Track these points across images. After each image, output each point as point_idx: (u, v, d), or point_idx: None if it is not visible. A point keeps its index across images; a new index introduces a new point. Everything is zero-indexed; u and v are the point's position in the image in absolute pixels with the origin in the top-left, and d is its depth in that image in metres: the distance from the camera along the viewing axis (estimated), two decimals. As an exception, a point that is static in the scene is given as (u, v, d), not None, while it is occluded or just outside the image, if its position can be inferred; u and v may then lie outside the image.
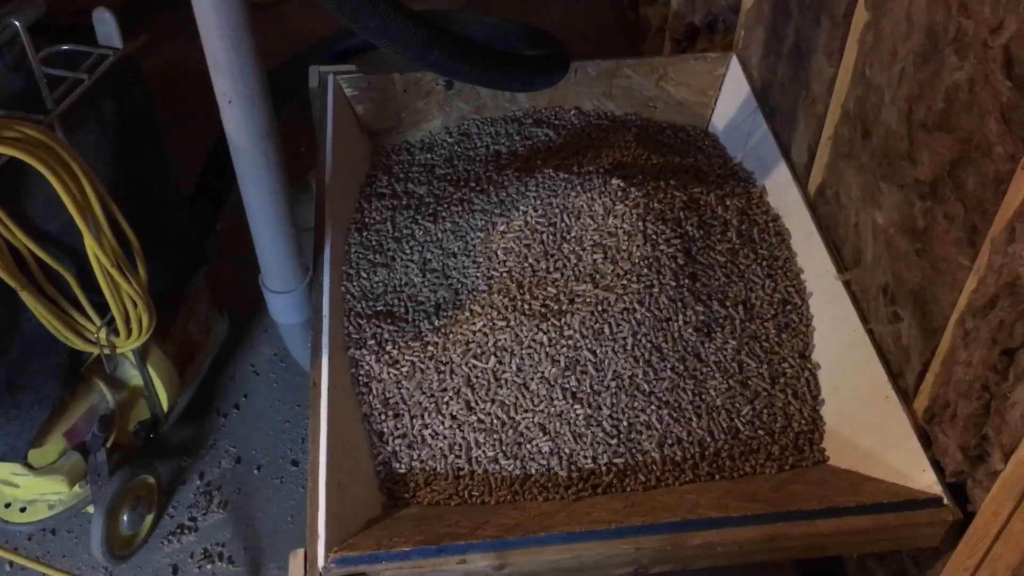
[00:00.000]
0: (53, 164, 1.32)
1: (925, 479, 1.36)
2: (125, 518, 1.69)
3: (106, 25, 1.46)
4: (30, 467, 1.58)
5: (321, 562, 1.25)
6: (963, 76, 1.20)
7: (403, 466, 1.45)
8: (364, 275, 1.65)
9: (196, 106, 1.86)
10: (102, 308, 1.55)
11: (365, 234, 1.72)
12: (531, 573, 1.30)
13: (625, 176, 1.73)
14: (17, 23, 1.30)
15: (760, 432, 1.50)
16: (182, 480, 1.87)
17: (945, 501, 1.32)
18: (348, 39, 2.16)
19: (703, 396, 1.52)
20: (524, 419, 1.47)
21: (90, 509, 1.68)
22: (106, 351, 1.58)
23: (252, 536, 1.78)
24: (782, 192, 1.81)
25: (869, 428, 1.47)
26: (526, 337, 1.51)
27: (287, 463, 1.90)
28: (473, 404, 1.48)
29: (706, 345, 1.56)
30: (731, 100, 2.04)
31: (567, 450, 1.45)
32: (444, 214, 1.71)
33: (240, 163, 1.40)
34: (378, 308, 1.61)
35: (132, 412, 1.74)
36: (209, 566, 1.73)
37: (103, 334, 1.56)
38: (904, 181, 1.37)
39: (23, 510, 1.67)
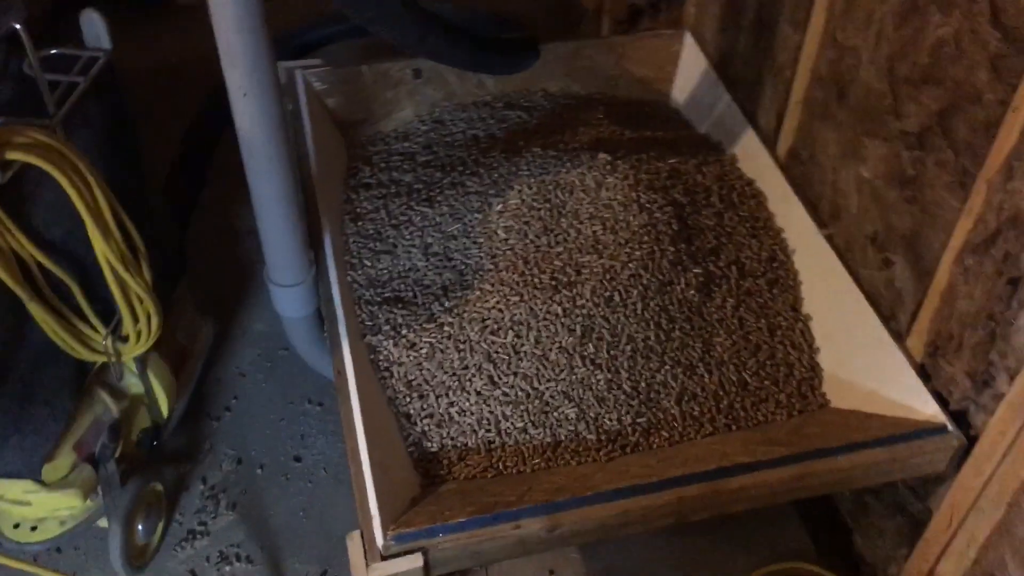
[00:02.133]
0: (64, 168, 1.30)
1: (928, 410, 1.46)
2: (140, 527, 1.66)
3: (94, 26, 1.43)
4: (43, 483, 1.55)
5: (380, 541, 1.27)
6: (948, 31, 1.30)
7: (434, 444, 1.48)
8: (368, 263, 1.66)
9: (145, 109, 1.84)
10: (104, 317, 1.53)
11: (360, 224, 1.73)
12: (580, 532, 1.35)
13: (608, 150, 1.79)
14: (18, 25, 1.28)
15: (766, 382, 1.59)
16: (184, 487, 1.84)
17: (950, 428, 1.43)
18: (308, 33, 2.15)
19: (711, 352, 1.59)
20: (548, 388, 1.51)
21: (102, 523, 1.65)
22: (113, 359, 1.56)
23: (266, 534, 1.77)
24: (752, 157, 1.90)
25: (867, 369, 1.56)
26: (540, 309, 1.55)
27: (289, 460, 1.90)
28: (496, 379, 1.52)
29: (707, 305, 1.63)
30: (689, 74, 2.12)
31: (592, 414, 1.50)
32: (439, 198, 1.74)
33: (252, 157, 1.40)
34: (386, 295, 1.63)
35: (135, 421, 1.71)
36: (228, 568, 1.72)
37: (109, 342, 1.53)
38: (889, 134, 1.47)
39: (34, 529, 1.63)
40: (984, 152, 1.28)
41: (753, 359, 1.60)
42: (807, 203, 1.76)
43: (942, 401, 1.46)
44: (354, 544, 1.29)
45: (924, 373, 1.50)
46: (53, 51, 1.41)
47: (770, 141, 1.88)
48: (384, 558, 1.27)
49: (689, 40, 2.13)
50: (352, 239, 1.70)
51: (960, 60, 1.28)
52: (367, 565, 1.27)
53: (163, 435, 1.78)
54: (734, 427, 1.53)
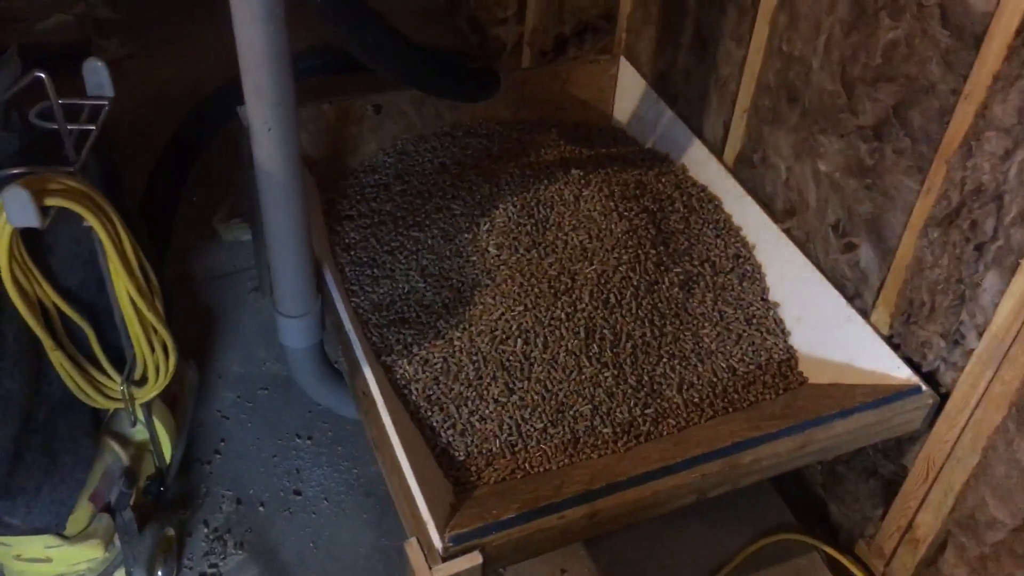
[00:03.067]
0: (96, 212, 1.32)
1: (902, 374, 1.62)
2: (160, 573, 1.65)
3: (98, 75, 1.45)
4: (64, 537, 1.53)
5: (439, 543, 1.32)
6: (899, 34, 1.47)
7: (460, 453, 1.54)
8: (368, 289, 1.72)
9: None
10: (116, 364, 1.53)
11: (353, 253, 1.79)
12: (616, 516, 1.43)
13: (576, 167, 1.90)
14: (43, 75, 1.29)
15: (752, 367, 1.72)
16: (187, 532, 1.83)
17: (924, 388, 1.59)
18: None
19: (700, 344, 1.71)
20: (561, 389, 1.60)
21: (119, 573, 1.63)
22: (129, 404, 1.56)
23: (280, 568, 1.78)
24: (701, 165, 2.05)
25: (838, 345, 1.72)
26: (545, 316, 1.64)
27: (289, 494, 1.91)
28: (512, 385, 1.60)
29: (690, 301, 1.76)
30: (628, 95, 2.27)
31: (605, 408, 1.59)
32: (427, 223, 1.81)
33: (270, 191, 1.45)
34: (391, 317, 1.68)
35: (141, 468, 1.70)
36: (248, 605, 1.72)
37: (125, 387, 1.53)
38: (846, 131, 1.63)
39: (52, 587, 1.60)
40: (939, 137, 1.46)
41: (736, 347, 1.73)
42: (760, 202, 1.91)
43: (912, 365, 1.62)
44: (413, 550, 1.34)
45: (892, 342, 1.66)
46: (61, 101, 1.42)
47: (717, 149, 2.03)
48: (444, 559, 1.32)
49: (624, 64, 2.28)
50: (348, 268, 1.76)
51: (912, 58, 1.46)
52: (430, 568, 1.32)
53: (167, 481, 1.77)
54: (730, 409, 1.66)
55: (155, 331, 1.50)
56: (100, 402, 1.53)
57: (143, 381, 1.57)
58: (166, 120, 2.34)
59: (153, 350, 1.51)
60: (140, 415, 1.65)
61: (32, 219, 1.22)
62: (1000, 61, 1.31)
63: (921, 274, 1.54)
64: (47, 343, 1.39)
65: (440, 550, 1.32)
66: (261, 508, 1.89)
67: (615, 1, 2.35)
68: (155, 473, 1.74)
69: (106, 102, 1.47)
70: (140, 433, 1.69)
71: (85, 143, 1.39)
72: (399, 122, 2.13)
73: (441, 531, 1.34)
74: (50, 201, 1.25)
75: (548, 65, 2.28)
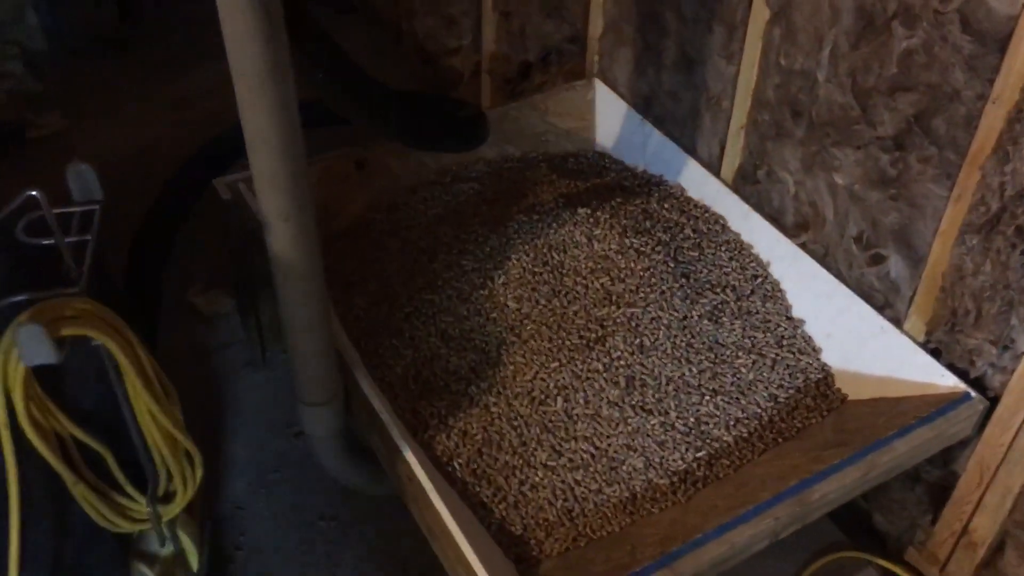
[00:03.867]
0: (111, 333, 1.22)
1: (948, 382, 1.59)
2: None
3: (84, 178, 1.34)
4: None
5: (524, 636, 1.25)
6: (916, 42, 1.44)
7: (517, 527, 1.47)
8: (391, 362, 1.63)
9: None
10: (136, 483, 1.43)
11: (365, 324, 1.70)
12: (697, 574, 1.37)
13: (580, 204, 1.84)
14: (35, 192, 1.18)
15: (792, 391, 1.68)
16: (224, 642, 1.72)
17: (973, 395, 1.56)
18: (231, 140, 2.07)
19: (738, 375, 1.66)
20: (609, 444, 1.53)
21: None
22: (156, 523, 1.45)
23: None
24: (699, 185, 2.01)
25: (875, 358, 1.68)
26: (581, 370, 1.57)
27: (324, 582, 1.81)
28: (558, 447, 1.52)
29: (720, 331, 1.71)
30: (609, 119, 2.21)
31: (657, 459, 1.53)
32: (439, 283, 1.73)
33: (289, 279, 1.35)
34: (419, 389, 1.60)
35: (171, 583, 1.59)
36: None
37: (152, 507, 1.42)
38: (863, 142, 1.60)
39: None
40: (966, 143, 1.42)
41: (773, 372, 1.69)
42: (769, 217, 1.87)
43: (955, 371, 1.59)
44: (498, 646, 1.26)
45: (931, 351, 1.63)
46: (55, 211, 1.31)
47: (714, 168, 1.98)
48: (532, 652, 1.25)
49: (600, 87, 2.23)
50: (364, 340, 1.66)
51: (932, 66, 1.42)
52: (518, 664, 1.24)
53: (198, 593, 1.66)
54: (780, 440, 1.61)
55: (175, 440, 1.39)
56: (127, 527, 1.42)
57: (167, 497, 1.46)
58: (126, 189, 2.21)
59: (174, 462, 1.40)
60: (165, 530, 1.54)
61: (49, 355, 1.11)
62: (1032, 64, 1.28)
63: (962, 282, 1.51)
64: (68, 479, 1.28)
65: (527, 642, 1.25)
66: (298, 601, 1.79)
67: (582, 24, 2.29)
68: (185, 587, 1.63)
69: (97, 206, 1.36)
70: (167, 548, 1.58)
71: (84, 256, 1.29)
72: (383, 176, 2.04)
73: (524, 621, 1.26)
74: (66, 331, 1.14)
75: (526, 97, 2.21)
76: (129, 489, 1.41)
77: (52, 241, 1.25)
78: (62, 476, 1.26)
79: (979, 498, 1.65)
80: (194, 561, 1.64)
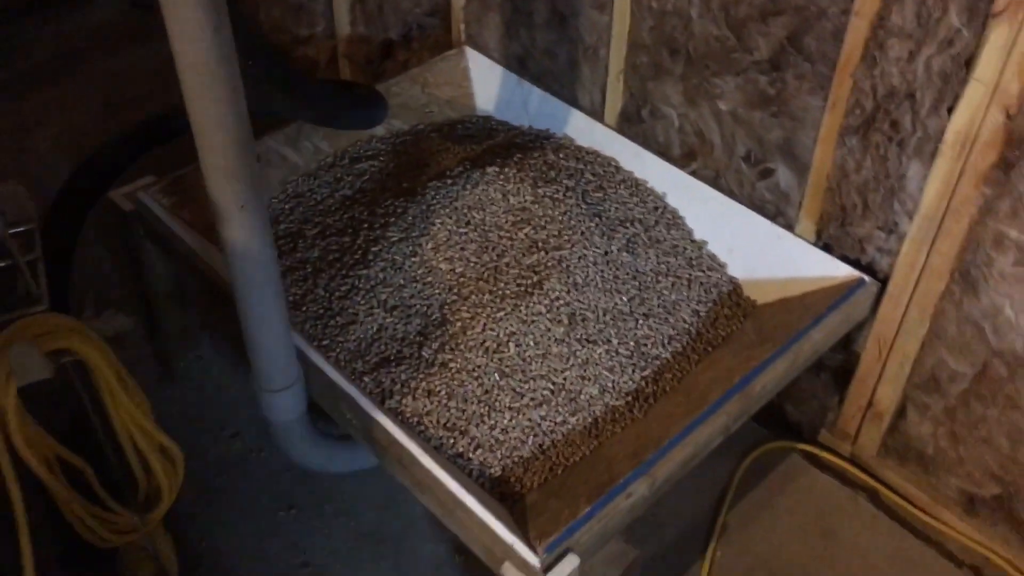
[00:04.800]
0: (91, 345, 1.21)
1: (843, 272, 1.77)
2: None
3: (19, 197, 1.32)
4: None
5: (535, 559, 1.33)
6: (781, -30, 1.59)
7: (496, 469, 1.55)
8: (340, 339, 1.67)
9: None
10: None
11: (305, 308, 1.72)
12: (668, 478, 1.50)
13: (486, 164, 1.92)
14: (-7, 217, 1.16)
15: (710, 305, 1.83)
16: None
17: (867, 279, 1.75)
18: (115, 154, 2.02)
19: (662, 298, 1.80)
20: (565, 379, 1.63)
21: None
22: (144, 532, 1.45)
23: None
24: (586, 133, 2.12)
25: (775, 263, 1.85)
26: (526, 315, 1.66)
27: (298, 569, 1.83)
28: (519, 388, 1.61)
29: (638, 261, 1.83)
30: (486, 84, 2.30)
31: (610, 384, 1.65)
32: (369, 258, 1.77)
33: (246, 269, 1.37)
34: (374, 360, 1.65)
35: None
36: None
37: (139, 517, 1.42)
38: (741, 68, 1.75)
39: None
40: (836, 55, 1.60)
41: (690, 291, 1.83)
42: (657, 152, 2.01)
43: (848, 262, 1.78)
44: (514, 573, 1.34)
45: (824, 247, 1.81)
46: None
47: (597, 114, 2.11)
48: (545, 571, 1.34)
49: (472, 54, 2.31)
50: (308, 324, 1.69)
51: (798, -11, 1.59)
52: (535, 584, 1.33)
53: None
54: (710, 349, 1.75)
55: (154, 441, 1.40)
56: (116, 540, 1.41)
57: (147, 505, 1.46)
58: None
59: (157, 462, 1.40)
60: (155, 542, 1.53)
61: (43, 371, 1.11)
62: (889, -24, 1.46)
63: (847, 179, 1.69)
64: (65, 498, 1.26)
65: (539, 564, 1.33)
66: (273, 591, 1.81)
67: (442, -5, 2.36)
68: (168, 597, 1.62)
69: (32, 224, 1.34)
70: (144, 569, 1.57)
71: (36, 274, 1.27)
72: (280, 166, 2.05)
73: (532, 546, 1.35)
74: (52, 346, 1.13)
75: (395, 75, 2.26)
76: (111, 502, 1.40)
77: (6, 263, 1.22)
78: (57, 496, 1.25)
79: (880, 371, 1.85)
80: (174, 570, 1.64)
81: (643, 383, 1.66)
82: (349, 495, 1.94)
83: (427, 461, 1.45)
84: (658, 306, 1.77)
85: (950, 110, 1.49)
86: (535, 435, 1.58)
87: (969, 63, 1.43)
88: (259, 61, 1.41)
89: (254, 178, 1.28)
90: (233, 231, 1.32)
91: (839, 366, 1.93)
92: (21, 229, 1.31)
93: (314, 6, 2.76)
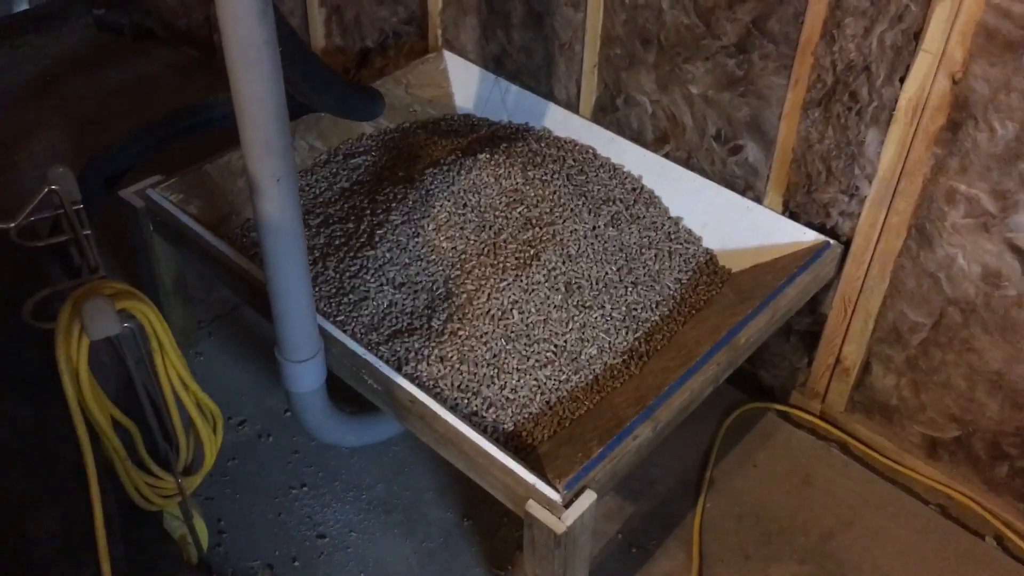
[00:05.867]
0: (149, 308, 1.31)
1: (809, 236, 1.94)
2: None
3: (66, 181, 1.41)
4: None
5: (557, 496, 1.46)
6: (744, -39, 1.76)
7: (508, 425, 1.67)
8: (355, 315, 1.78)
9: None
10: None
11: (319, 289, 1.83)
12: (670, 421, 1.63)
13: (477, 153, 2.06)
14: (58, 191, 1.26)
15: (690, 274, 1.98)
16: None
17: (832, 242, 1.92)
18: (116, 158, 2.12)
19: (647, 267, 1.94)
20: (566, 341, 1.77)
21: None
22: (182, 496, 1.54)
23: (348, 606, 1.81)
24: (563, 125, 2.27)
25: (747, 233, 2.01)
26: (526, 284, 1.80)
27: (315, 541, 1.92)
28: (524, 351, 1.74)
29: (623, 235, 1.98)
30: (464, 84, 2.44)
31: (607, 344, 1.78)
32: (376, 240, 1.89)
33: (278, 240, 1.47)
34: (387, 332, 1.76)
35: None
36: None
37: (180, 480, 1.51)
38: (710, 53, 1.92)
39: None
40: (797, 36, 1.77)
41: (672, 261, 1.98)
42: (631, 138, 2.17)
43: (814, 227, 1.95)
44: (537, 508, 1.46)
45: (791, 215, 1.98)
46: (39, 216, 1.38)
47: (573, 107, 2.26)
48: (566, 506, 1.46)
49: (450, 56, 2.44)
50: (323, 303, 1.80)
51: (761, -22, 1.76)
52: (559, 518, 1.45)
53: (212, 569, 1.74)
54: (694, 312, 1.90)
55: (199, 403, 1.49)
56: (159, 503, 1.50)
57: (186, 470, 1.55)
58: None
59: (202, 424, 1.50)
60: (177, 512, 1.62)
61: (115, 327, 1.20)
62: (843, -38, 1.63)
63: (811, 150, 1.86)
64: (120, 455, 1.35)
65: (560, 500, 1.46)
66: (296, 563, 1.89)
67: (417, 3, 2.50)
68: (200, 564, 1.71)
69: (82, 205, 1.44)
70: (179, 527, 1.66)
71: (90, 247, 1.37)
72: (278, 163, 2.15)
73: (554, 485, 1.47)
74: (119, 305, 1.23)
75: (390, 75, 2.39)
76: (154, 467, 1.49)
77: (66, 237, 1.32)
78: (115, 454, 1.34)
79: (845, 329, 2.01)
80: (205, 538, 1.72)
81: (636, 343, 1.80)
82: (356, 471, 2.04)
83: (448, 415, 1.57)
84: (644, 275, 1.92)
85: (902, 79, 1.66)
86: (542, 393, 1.71)
87: (918, 36, 1.61)
88: (290, 50, 1.52)
89: (288, 152, 1.40)
90: (269, 202, 1.43)
91: (806, 329, 2.09)
92: (70, 209, 1.41)
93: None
